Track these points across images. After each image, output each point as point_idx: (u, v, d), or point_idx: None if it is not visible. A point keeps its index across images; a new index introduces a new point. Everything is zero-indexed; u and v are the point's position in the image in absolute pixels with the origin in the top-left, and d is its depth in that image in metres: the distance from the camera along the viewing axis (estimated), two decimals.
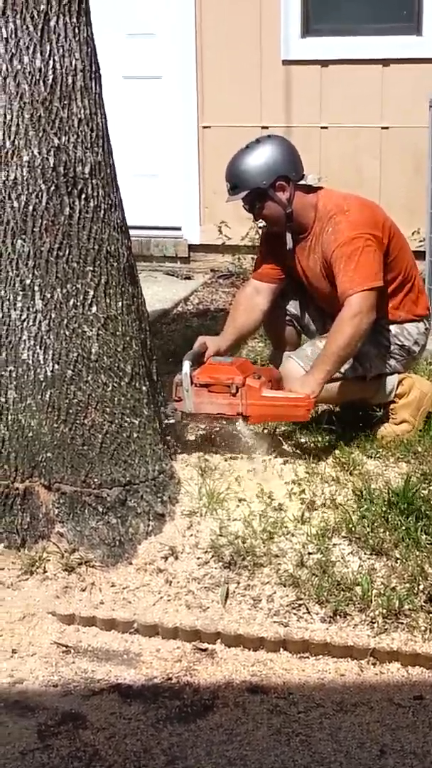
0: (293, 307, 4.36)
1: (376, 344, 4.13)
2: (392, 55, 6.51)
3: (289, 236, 4.09)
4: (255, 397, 3.85)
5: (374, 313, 3.91)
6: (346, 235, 3.94)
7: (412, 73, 6.48)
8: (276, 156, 4.02)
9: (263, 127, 6.57)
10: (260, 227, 4.25)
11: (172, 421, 3.92)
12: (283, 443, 4.09)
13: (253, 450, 3.92)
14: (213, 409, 3.92)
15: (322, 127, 6.69)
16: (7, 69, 3.35)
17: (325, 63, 6.64)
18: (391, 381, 4.23)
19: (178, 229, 7.19)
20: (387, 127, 6.59)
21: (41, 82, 3.36)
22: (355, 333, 3.87)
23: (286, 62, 6.68)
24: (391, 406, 4.24)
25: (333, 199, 4.08)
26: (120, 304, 3.55)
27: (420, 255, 5.70)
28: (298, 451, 4.04)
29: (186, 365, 3.90)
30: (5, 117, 3.37)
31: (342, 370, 4.03)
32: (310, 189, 4.08)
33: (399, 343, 4.19)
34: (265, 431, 4.12)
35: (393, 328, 4.17)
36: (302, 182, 4.06)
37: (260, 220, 4.15)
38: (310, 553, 3.43)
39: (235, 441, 3.93)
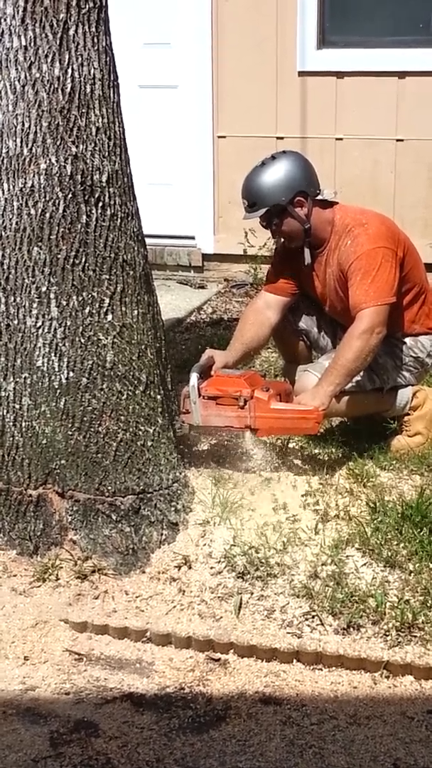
0: (304, 321, 4.35)
1: (392, 356, 4.12)
2: (408, 68, 6.49)
3: (307, 252, 4.08)
4: (263, 409, 3.83)
5: (385, 329, 3.89)
6: (366, 248, 3.93)
7: (429, 86, 6.48)
8: (294, 172, 4.00)
9: (278, 138, 6.57)
10: (275, 241, 4.23)
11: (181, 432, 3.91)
12: (298, 454, 4.08)
13: (267, 461, 3.91)
14: (221, 422, 3.90)
15: (336, 139, 6.68)
16: (25, 77, 3.36)
17: (340, 75, 6.63)
18: (406, 393, 4.22)
19: (192, 238, 7.19)
20: (402, 140, 6.58)
21: (59, 90, 3.37)
22: (364, 347, 3.86)
23: (302, 73, 6.66)
24: (405, 418, 4.23)
25: (350, 213, 4.08)
26: (136, 312, 3.55)
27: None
28: (312, 463, 4.03)
29: (193, 377, 3.88)
30: (23, 125, 3.38)
31: (359, 382, 4.03)
32: (326, 204, 4.07)
33: (413, 355, 4.19)
34: (279, 442, 4.11)
35: (408, 340, 4.17)
36: (319, 197, 4.06)
37: (277, 237, 4.14)
38: (323, 565, 3.42)
39: (249, 451, 3.92)
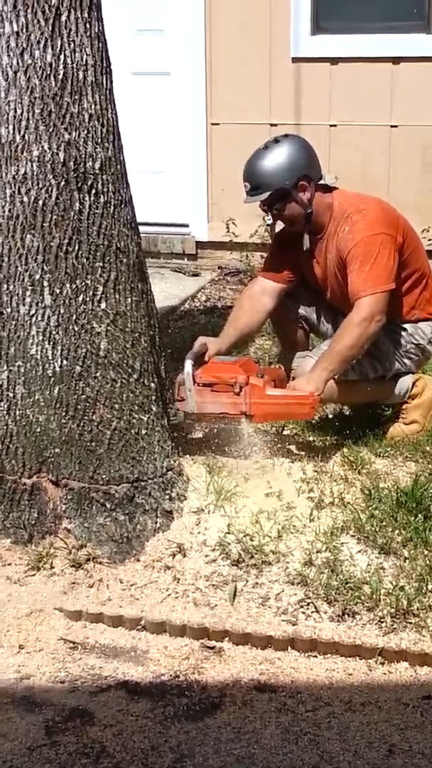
0: (303, 308, 4.33)
1: (394, 343, 4.11)
2: (402, 53, 6.48)
3: (306, 237, 4.06)
4: (259, 395, 3.82)
5: (384, 317, 3.88)
6: (364, 234, 3.91)
7: (422, 72, 6.47)
8: (297, 155, 3.97)
9: (272, 125, 6.56)
10: (268, 224, 4.19)
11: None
12: (292, 441, 4.08)
13: (261, 448, 3.91)
14: (216, 409, 3.89)
15: (330, 125, 6.67)
16: (17, 63, 3.33)
17: (334, 60, 6.62)
18: (406, 382, 4.21)
19: (186, 226, 7.18)
20: (396, 126, 6.57)
21: (52, 76, 3.35)
22: (362, 335, 3.85)
23: (295, 60, 6.65)
24: (403, 406, 4.22)
25: (349, 199, 4.05)
26: (129, 300, 3.53)
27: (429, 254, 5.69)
28: (306, 450, 4.02)
29: (188, 364, 3.87)
30: (15, 111, 3.36)
31: (362, 371, 4.02)
32: (326, 189, 4.06)
33: (414, 341, 4.17)
34: (274, 429, 4.10)
35: (408, 326, 4.15)
36: (321, 182, 4.04)
37: (277, 221, 4.10)
38: (318, 552, 3.42)
39: (243, 438, 3.92)
